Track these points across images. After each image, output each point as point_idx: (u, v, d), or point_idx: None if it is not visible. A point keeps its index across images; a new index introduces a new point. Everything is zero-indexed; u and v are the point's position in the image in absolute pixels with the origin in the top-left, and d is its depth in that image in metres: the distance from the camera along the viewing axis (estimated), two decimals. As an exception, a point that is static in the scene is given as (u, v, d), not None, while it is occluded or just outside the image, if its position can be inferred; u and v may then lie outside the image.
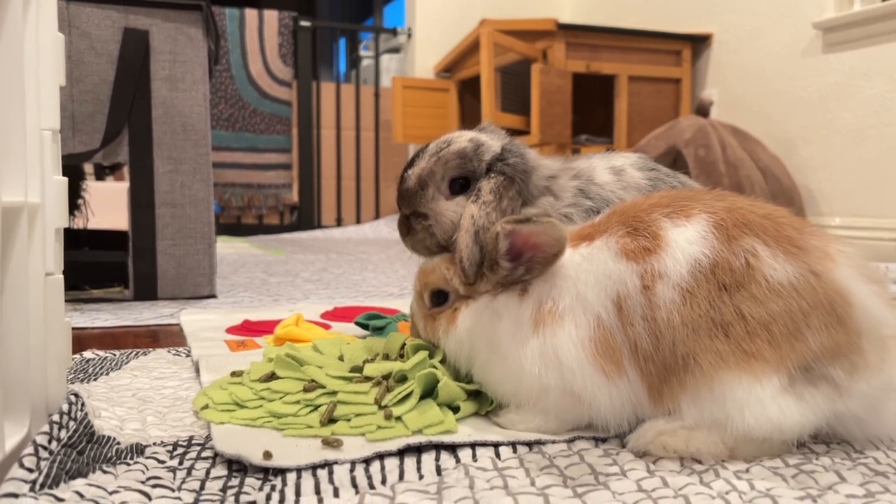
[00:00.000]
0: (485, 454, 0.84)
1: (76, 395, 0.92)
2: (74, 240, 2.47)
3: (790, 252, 0.81)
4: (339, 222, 5.77)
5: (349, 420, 0.90)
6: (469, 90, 5.29)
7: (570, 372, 0.85)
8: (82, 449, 0.80)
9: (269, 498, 0.72)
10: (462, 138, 1.09)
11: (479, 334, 0.93)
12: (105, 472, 0.74)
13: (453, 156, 1.05)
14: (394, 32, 5.88)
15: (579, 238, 0.91)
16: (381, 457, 0.82)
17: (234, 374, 1.09)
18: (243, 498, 0.72)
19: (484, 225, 0.95)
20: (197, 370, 1.22)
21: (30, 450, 0.74)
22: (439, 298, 0.98)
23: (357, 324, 1.52)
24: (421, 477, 0.78)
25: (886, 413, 0.86)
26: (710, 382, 0.80)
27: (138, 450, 0.84)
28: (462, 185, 1.06)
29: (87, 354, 1.34)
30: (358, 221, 5.85)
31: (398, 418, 0.90)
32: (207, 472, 0.78)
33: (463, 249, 0.95)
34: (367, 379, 0.99)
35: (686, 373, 0.81)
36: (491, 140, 1.09)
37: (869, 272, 0.85)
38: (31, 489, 0.68)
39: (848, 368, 0.80)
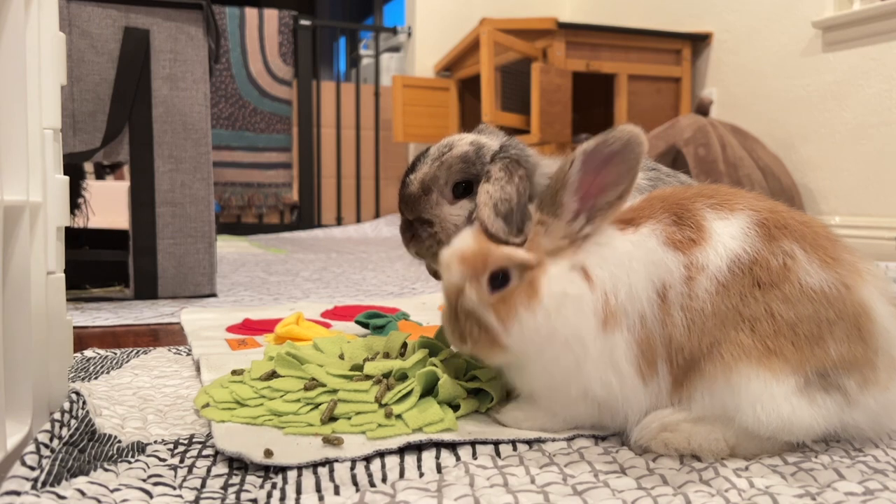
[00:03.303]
0: (485, 452, 0.84)
1: (77, 394, 0.92)
2: (75, 239, 2.47)
3: (825, 261, 0.83)
4: (339, 221, 5.77)
5: (350, 418, 0.90)
6: (469, 89, 5.29)
7: (619, 380, 0.83)
8: (84, 447, 0.80)
9: (269, 496, 0.72)
10: (463, 142, 1.08)
11: (564, 319, 0.83)
12: (106, 470, 0.74)
13: (456, 160, 1.05)
14: (394, 31, 5.88)
15: (620, 221, 0.88)
16: (381, 455, 0.82)
17: (234, 372, 1.09)
18: (244, 496, 0.72)
19: (501, 197, 0.91)
20: (197, 369, 1.22)
21: (31, 448, 0.74)
22: (499, 281, 0.85)
23: (357, 322, 1.52)
24: (421, 475, 0.78)
25: (887, 429, 0.89)
26: (729, 373, 0.80)
27: (139, 448, 0.84)
28: (465, 188, 1.06)
29: (88, 353, 1.34)
30: (358, 220, 5.85)
31: (398, 416, 0.90)
32: (208, 470, 0.78)
33: (487, 223, 0.87)
34: (368, 377, 0.99)
35: (707, 362, 0.81)
36: (491, 141, 1.09)
37: (889, 293, 0.86)
38: (33, 487, 0.68)
39: (860, 382, 0.81)
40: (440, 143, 1.10)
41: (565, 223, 0.85)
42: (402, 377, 0.98)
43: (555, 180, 0.85)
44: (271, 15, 5.41)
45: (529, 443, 0.87)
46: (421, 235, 1.06)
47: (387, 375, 0.99)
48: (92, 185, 2.64)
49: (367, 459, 0.81)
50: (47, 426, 0.80)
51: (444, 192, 1.05)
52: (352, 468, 0.78)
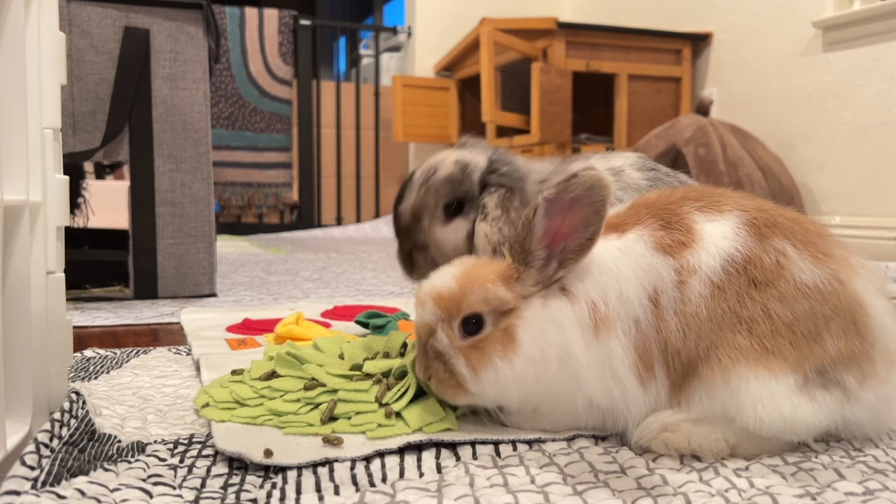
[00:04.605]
0: (485, 452, 0.84)
1: (77, 394, 0.92)
2: (75, 238, 2.47)
3: (817, 257, 0.83)
4: (339, 221, 5.77)
5: (350, 418, 0.90)
6: (469, 89, 5.29)
7: (620, 387, 0.83)
8: (84, 447, 0.80)
9: (269, 496, 0.72)
10: (447, 162, 1.09)
11: (550, 345, 0.83)
12: (106, 469, 0.74)
13: (442, 183, 1.06)
14: (394, 31, 5.88)
15: (606, 228, 0.86)
16: (381, 455, 0.82)
17: (234, 372, 1.09)
18: (244, 496, 0.72)
19: (499, 241, 0.94)
20: (197, 368, 1.22)
21: (31, 448, 0.74)
22: (472, 326, 0.85)
23: (357, 322, 1.52)
24: (421, 475, 0.78)
25: (887, 423, 0.89)
26: (727, 375, 0.80)
27: (139, 448, 0.84)
28: (457, 207, 1.07)
29: (88, 353, 1.34)
30: (358, 220, 5.85)
31: (398, 415, 0.90)
32: (208, 470, 0.78)
33: None
34: (368, 377, 0.99)
35: (705, 365, 0.81)
36: (475, 156, 1.10)
37: (883, 287, 0.87)
38: (33, 487, 0.68)
39: (859, 377, 0.81)
40: (424, 167, 1.11)
41: (536, 270, 0.84)
42: (402, 375, 0.98)
43: (520, 228, 0.84)
44: (271, 15, 5.41)
45: (529, 443, 0.87)
46: (418, 262, 1.07)
47: (386, 374, 0.99)
48: (92, 185, 2.64)
49: (367, 459, 0.81)
50: (47, 426, 0.80)
51: (435, 214, 1.07)
52: (352, 468, 0.78)
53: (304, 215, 5.57)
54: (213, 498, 0.71)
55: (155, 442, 0.86)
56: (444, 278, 0.88)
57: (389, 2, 7.69)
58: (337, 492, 0.73)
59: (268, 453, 0.79)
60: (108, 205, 2.80)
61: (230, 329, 1.56)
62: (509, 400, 0.87)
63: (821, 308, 0.81)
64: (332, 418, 0.90)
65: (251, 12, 5.35)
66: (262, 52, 5.38)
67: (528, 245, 0.84)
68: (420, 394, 0.94)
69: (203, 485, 0.75)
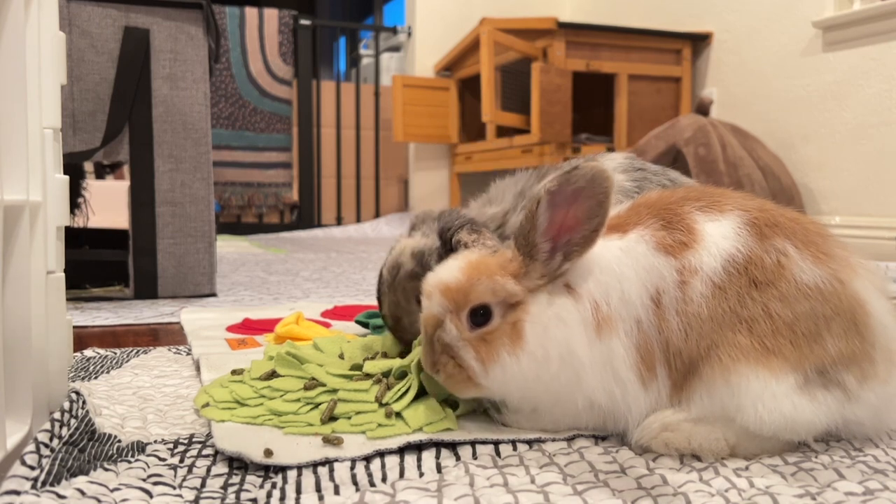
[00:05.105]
0: (485, 452, 0.84)
1: (77, 393, 0.92)
2: (75, 238, 2.47)
3: (818, 257, 0.83)
4: (339, 221, 5.77)
5: (350, 418, 0.90)
6: (469, 89, 5.29)
7: (621, 388, 0.83)
8: (84, 447, 0.80)
9: (269, 495, 0.72)
10: (405, 257, 1.15)
11: (553, 343, 0.82)
12: (106, 469, 0.74)
13: (407, 281, 1.12)
14: (394, 31, 5.88)
15: (608, 228, 0.86)
16: (381, 454, 0.82)
17: (234, 372, 1.09)
18: (244, 495, 0.72)
19: (493, 246, 0.96)
20: (197, 368, 1.22)
21: (31, 447, 0.74)
22: (480, 317, 0.84)
23: (357, 322, 1.52)
24: (421, 474, 0.78)
25: (888, 423, 0.89)
26: (727, 375, 0.80)
27: (139, 447, 0.84)
28: None
29: (88, 353, 1.34)
30: (358, 220, 5.85)
31: (398, 415, 0.90)
32: (208, 470, 0.78)
33: None
34: (368, 376, 0.99)
35: (705, 365, 0.81)
36: (428, 239, 1.15)
37: (883, 287, 0.87)
38: (33, 486, 0.68)
39: (859, 377, 0.81)
40: (388, 265, 1.17)
41: (542, 263, 0.84)
42: (402, 375, 0.98)
43: (525, 221, 0.84)
44: (271, 14, 5.41)
45: (529, 443, 0.87)
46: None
47: (386, 374, 0.99)
48: (92, 185, 2.64)
49: (367, 459, 0.81)
50: (47, 426, 0.80)
51: (409, 311, 1.13)
52: (352, 468, 0.78)
53: (304, 215, 5.58)
54: (213, 498, 0.71)
55: (155, 442, 0.86)
56: (450, 270, 0.87)
57: (389, 2, 7.69)
58: (337, 491, 0.73)
59: (268, 453, 0.79)
60: (108, 205, 2.80)
61: (230, 329, 1.56)
62: (512, 395, 0.87)
63: (821, 308, 0.81)
64: (332, 418, 0.90)
65: (251, 12, 5.35)
66: (262, 51, 5.38)
67: (532, 238, 0.84)
68: (420, 393, 0.94)
69: (203, 484, 0.75)
